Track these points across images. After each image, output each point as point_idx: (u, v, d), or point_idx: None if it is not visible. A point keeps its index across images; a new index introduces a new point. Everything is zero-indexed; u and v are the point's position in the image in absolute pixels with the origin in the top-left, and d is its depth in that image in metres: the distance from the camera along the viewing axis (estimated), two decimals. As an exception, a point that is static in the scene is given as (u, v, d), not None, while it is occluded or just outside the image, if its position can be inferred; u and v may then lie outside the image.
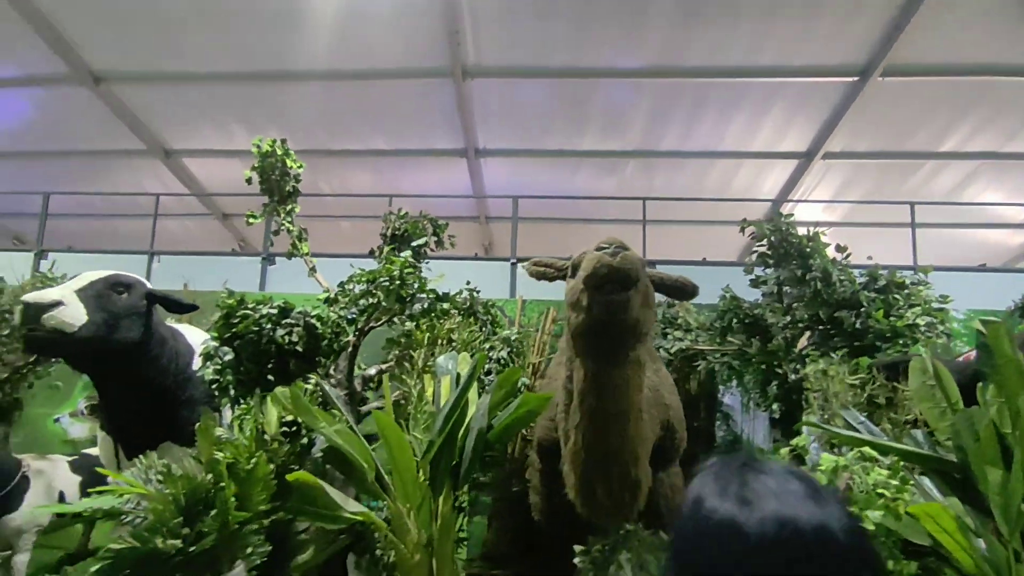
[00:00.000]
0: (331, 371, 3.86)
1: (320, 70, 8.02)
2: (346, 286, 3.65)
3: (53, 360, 4.33)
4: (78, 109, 8.75)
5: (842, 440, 2.52)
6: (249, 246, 11.59)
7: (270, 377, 3.45)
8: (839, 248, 4.35)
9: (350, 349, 3.87)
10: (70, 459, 4.41)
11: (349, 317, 3.48)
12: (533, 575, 3.49)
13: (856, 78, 7.68)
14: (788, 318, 4.15)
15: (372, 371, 4.28)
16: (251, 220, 4.45)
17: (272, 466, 2.35)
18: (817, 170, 9.13)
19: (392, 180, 9.70)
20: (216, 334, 3.31)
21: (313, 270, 4.32)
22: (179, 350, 3.46)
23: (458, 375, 3.20)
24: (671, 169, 9.63)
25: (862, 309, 3.92)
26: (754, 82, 7.98)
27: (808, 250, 4.16)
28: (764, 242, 4.24)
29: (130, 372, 3.14)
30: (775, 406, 3.99)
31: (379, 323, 3.76)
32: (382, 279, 3.55)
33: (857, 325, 3.85)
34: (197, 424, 3.46)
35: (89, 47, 7.84)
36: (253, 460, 2.36)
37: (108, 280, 3.05)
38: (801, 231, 4.29)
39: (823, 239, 4.30)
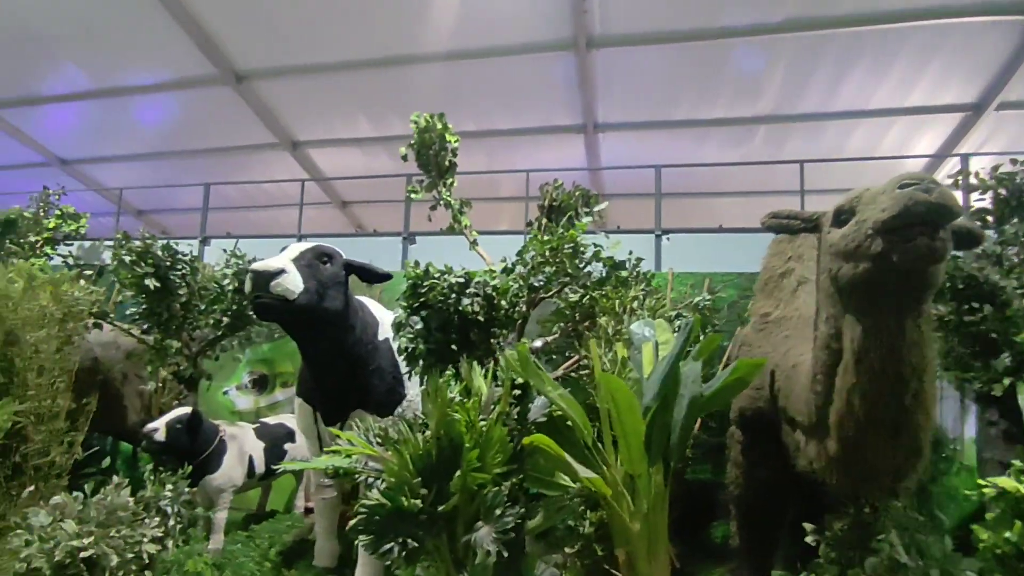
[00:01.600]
0: (500, 342, 3.81)
1: (441, 51, 8.05)
2: (524, 255, 3.56)
3: (239, 334, 4.61)
4: (220, 107, 9.40)
5: None
6: (366, 231, 12.08)
7: (453, 347, 3.44)
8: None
9: (520, 321, 3.80)
10: (254, 426, 4.70)
11: (536, 283, 3.38)
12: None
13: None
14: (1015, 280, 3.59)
15: (538, 343, 4.20)
16: (413, 196, 4.49)
17: (507, 428, 2.28)
18: (990, 122, 8.00)
19: (505, 159, 9.64)
20: (405, 304, 3.32)
21: (475, 243, 4.29)
22: (367, 320, 3.53)
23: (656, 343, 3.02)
24: (808, 134, 8.84)
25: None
26: (914, 27, 7.08)
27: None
28: (985, 195, 3.68)
29: (334, 340, 3.23)
30: (1004, 382, 3.47)
31: (550, 294, 3.65)
32: (566, 245, 3.42)
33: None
34: (384, 391, 3.57)
35: (234, 47, 8.36)
36: (483, 422, 2.30)
37: (315, 250, 3.13)
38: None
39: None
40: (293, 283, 2.87)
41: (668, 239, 6.01)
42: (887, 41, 7.32)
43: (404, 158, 4.72)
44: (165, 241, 4.18)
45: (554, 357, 4.21)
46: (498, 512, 2.09)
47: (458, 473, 2.16)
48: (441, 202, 4.46)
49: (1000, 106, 7.76)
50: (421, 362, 3.31)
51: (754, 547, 3.10)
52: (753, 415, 3.00)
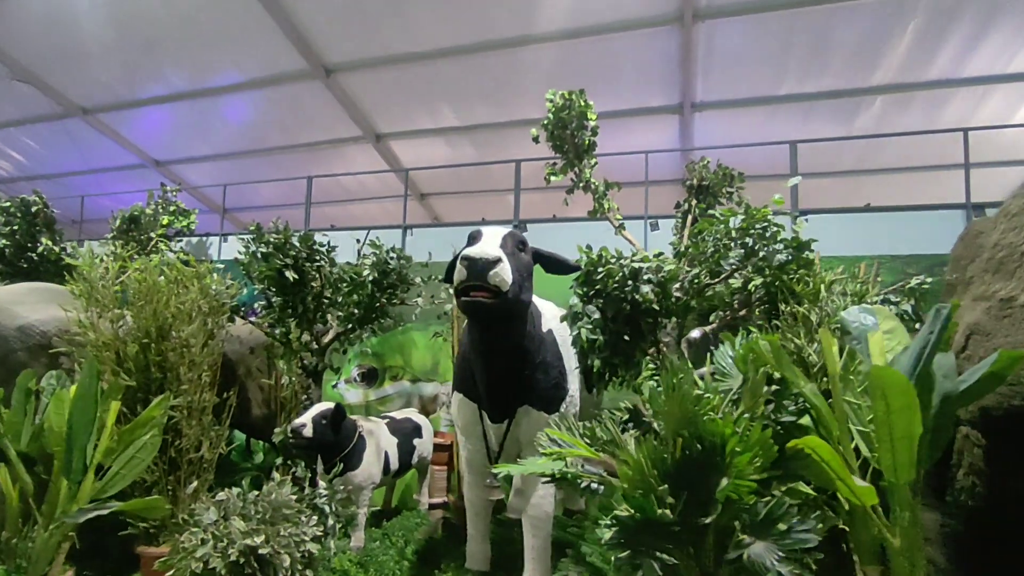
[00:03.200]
0: (658, 334, 3.51)
1: (527, 33, 7.75)
2: (701, 237, 3.24)
3: (369, 326, 4.49)
4: (308, 102, 9.44)
5: None
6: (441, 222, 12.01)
7: (625, 337, 3.16)
8: None
9: (684, 309, 3.48)
10: (385, 422, 4.58)
11: (727, 266, 3.05)
12: None
13: None
14: None
15: (696, 333, 3.86)
16: (552, 177, 4.23)
17: (769, 429, 1.97)
18: None
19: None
20: (581, 292, 3.06)
21: (621, 227, 3.99)
22: (533, 311, 3.29)
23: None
24: (933, 103, 8.07)
25: None
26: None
27: None
28: None
29: (516, 333, 3.00)
30: None
31: (720, 278, 3.30)
32: (755, 226, 3.07)
33: None
34: (550, 386, 3.31)
35: (324, 40, 8.32)
36: (739, 422, 2.00)
37: (514, 236, 2.88)
38: None
39: None
40: (507, 273, 2.63)
41: (807, 220, 5.53)
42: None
43: (535, 139, 4.47)
44: (302, 232, 4.08)
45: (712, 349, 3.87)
46: (782, 526, 1.79)
47: (724, 480, 1.87)
48: (580, 184, 4.19)
49: None
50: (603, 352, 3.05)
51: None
52: (1002, 415, 2.58)
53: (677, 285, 3.24)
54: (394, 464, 4.41)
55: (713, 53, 7.73)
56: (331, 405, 4.00)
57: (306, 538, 3.19)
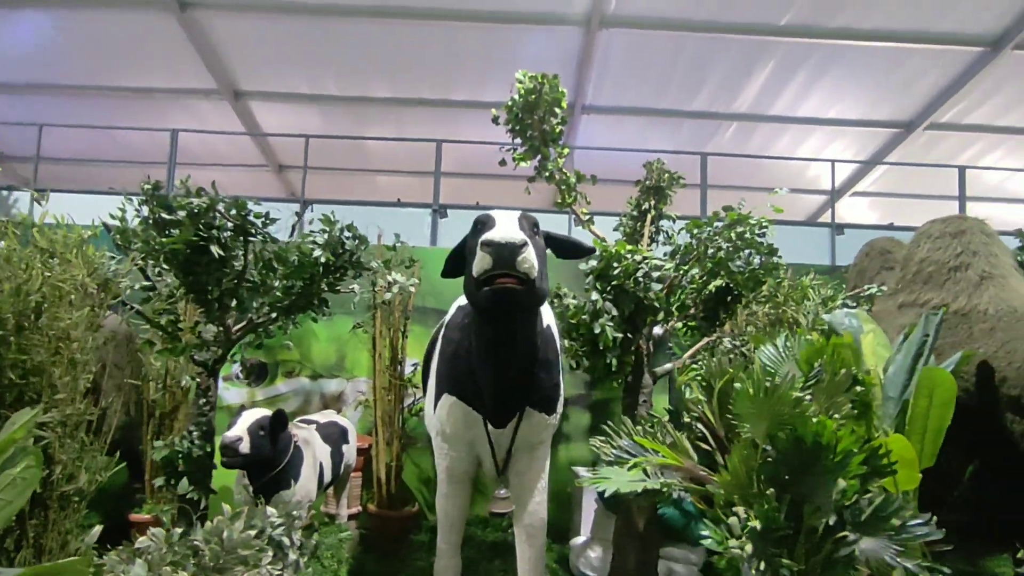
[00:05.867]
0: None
1: (433, 7, 7.28)
2: (701, 235, 3.27)
3: (294, 316, 3.77)
4: (149, 35, 7.69)
5: None
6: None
7: (629, 335, 3.11)
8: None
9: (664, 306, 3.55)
10: (314, 427, 3.92)
11: (734, 268, 3.14)
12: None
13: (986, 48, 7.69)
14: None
15: (658, 330, 3.97)
16: (521, 162, 3.98)
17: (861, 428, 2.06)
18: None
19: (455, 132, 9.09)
20: (599, 287, 2.91)
21: (589, 221, 3.91)
22: (538, 303, 3.04)
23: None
24: (774, 134, 9.51)
25: None
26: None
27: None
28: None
29: (530, 326, 2.71)
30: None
31: (715, 278, 3.43)
32: (739, 229, 3.21)
33: None
34: (551, 386, 3.11)
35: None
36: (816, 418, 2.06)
37: (529, 219, 2.57)
38: None
39: None
40: (535, 258, 2.32)
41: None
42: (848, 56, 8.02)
43: (495, 120, 4.16)
44: (230, 198, 3.22)
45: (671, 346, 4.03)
46: (895, 522, 1.88)
47: (841, 481, 1.90)
48: (546, 174, 4.01)
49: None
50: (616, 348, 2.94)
51: None
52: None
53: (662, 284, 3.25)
54: (328, 476, 3.79)
55: (608, 60, 8.09)
56: (266, 412, 3.28)
57: (266, 582, 2.57)
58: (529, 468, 3.06)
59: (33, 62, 8.22)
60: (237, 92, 8.84)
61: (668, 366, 3.65)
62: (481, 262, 2.27)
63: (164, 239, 3.20)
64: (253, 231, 3.24)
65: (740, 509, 1.99)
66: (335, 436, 4.04)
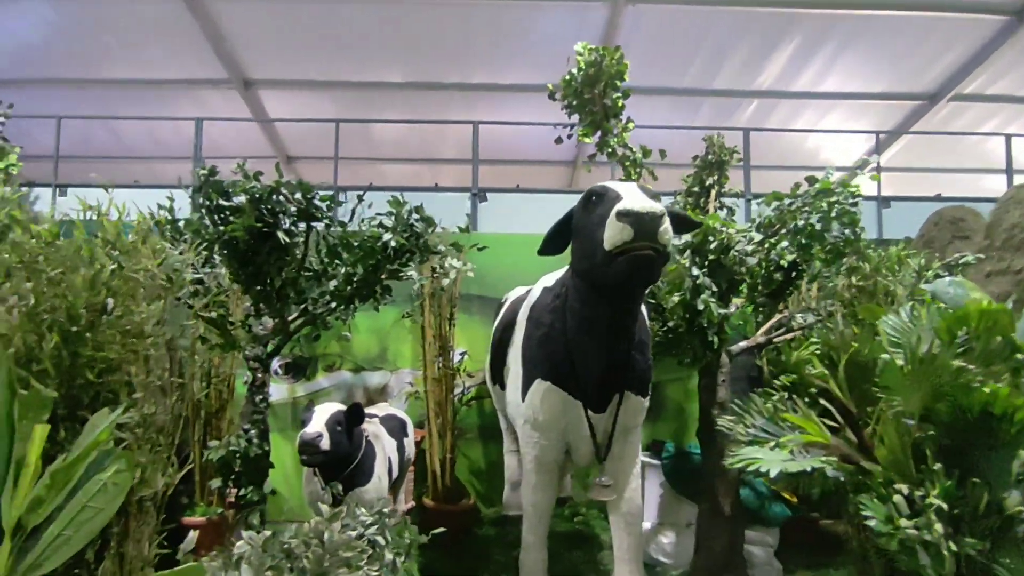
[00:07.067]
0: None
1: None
2: (778, 207, 3.14)
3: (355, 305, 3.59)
4: (157, 24, 7.40)
5: None
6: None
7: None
8: None
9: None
10: (378, 420, 3.77)
11: (833, 239, 2.99)
12: None
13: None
14: None
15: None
16: (585, 138, 3.82)
17: None
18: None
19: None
20: (699, 262, 2.77)
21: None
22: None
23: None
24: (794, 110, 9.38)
25: None
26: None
27: None
28: None
29: (640, 305, 2.60)
30: None
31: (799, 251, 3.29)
32: (831, 199, 3.07)
33: None
34: (645, 368, 2.98)
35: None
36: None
37: (648, 190, 2.44)
38: None
39: None
40: (671, 228, 2.23)
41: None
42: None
43: (552, 96, 3.99)
44: (295, 182, 3.04)
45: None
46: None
47: (1022, 452, 1.78)
48: (608, 150, 3.84)
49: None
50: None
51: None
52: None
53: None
54: (394, 472, 3.65)
55: (633, 37, 7.89)
56: (340, 406, 3.12)
57: (365, 583, 2.43)
58: (624, 454, 2.95)
59: (35, 55, 7.90)
60: (247, 81, 8.56)
61: (743, 344, 3.52)
62: (620, 233, 2.16)
63: (222, 227, 3.02)
64: (319, 215, 3.06)
65: (902, 487, 1.87)
66: (396, 429, 3.90)
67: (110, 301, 2.47)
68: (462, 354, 4.98)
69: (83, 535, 2.20)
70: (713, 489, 3.41)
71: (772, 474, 1.82)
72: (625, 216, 2.15)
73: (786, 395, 2.43)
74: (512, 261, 5.07)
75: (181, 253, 2.95)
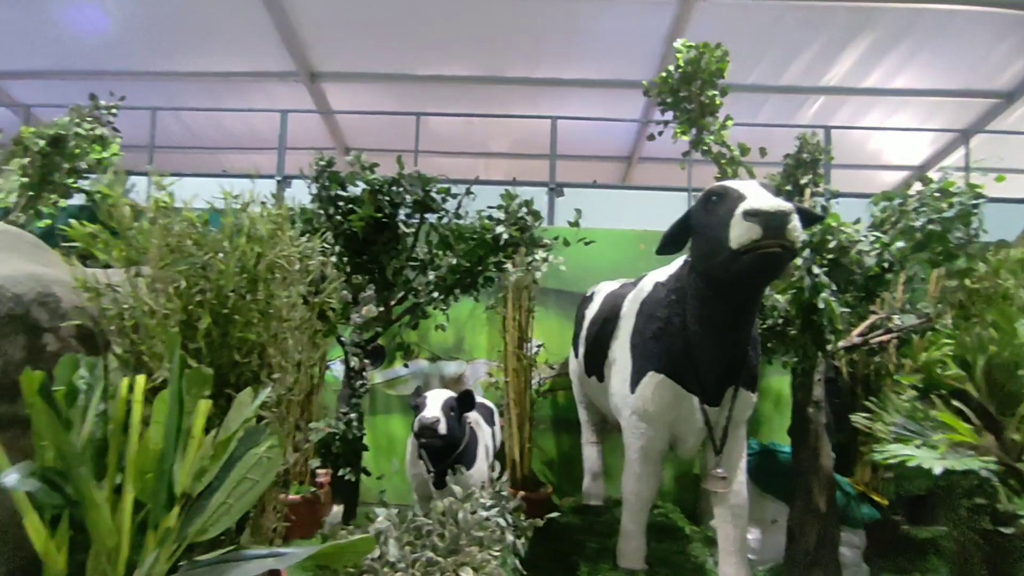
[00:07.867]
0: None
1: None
2: (889, 208, 3.11)
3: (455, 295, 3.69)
4: (228, 19, 7.63)
5: None
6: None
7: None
8: None
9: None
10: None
11: (957, 239, 2.96)
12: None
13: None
14: None
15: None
16: (683, 136, 3.83)
17: None
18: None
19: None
20: (818, 260, 2.78)
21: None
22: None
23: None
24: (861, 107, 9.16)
25: None
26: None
27: None
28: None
29: (758, 304, 2.64)
30: None
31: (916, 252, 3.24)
32: (953, 199, 3.03)
33: None
34: (756, 363, 3.00)
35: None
36: None
37: (772, 188, 2.48)
38: None
39: None
40: (800, 225, 2.26)
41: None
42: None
43: (646, 92, 4.01)
44: (415, 174, 3.14)
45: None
46: None
47: None
48: (704, 147, 3.85)
49: None
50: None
51: None
52: None
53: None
54: (490, 458, 3.75)
55: (703, 33, 7.79)
56: (450, 393, 3.23)
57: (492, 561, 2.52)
58: (733, 448, 2.98)
59: (112, 47, 8.23)
60: (313, 74, 8.76)
61: (840, 344, 3.50)
62: (748, 232, 2.19)
63: (339, 217, 3.14)
64: (435, 207, 3.16)
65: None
66: (488, 417, 3.99)
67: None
68: (539, 346, 5.05)
69: (243, 504, 2.34)
70: (807, 486, 3.41)
71: (936, 471, 1.83)
72: (753, 215, 2.18)
73: (916, 395, 2.42)
74: (585, 255, 5.11)
75: (309, 241, 3.09)
